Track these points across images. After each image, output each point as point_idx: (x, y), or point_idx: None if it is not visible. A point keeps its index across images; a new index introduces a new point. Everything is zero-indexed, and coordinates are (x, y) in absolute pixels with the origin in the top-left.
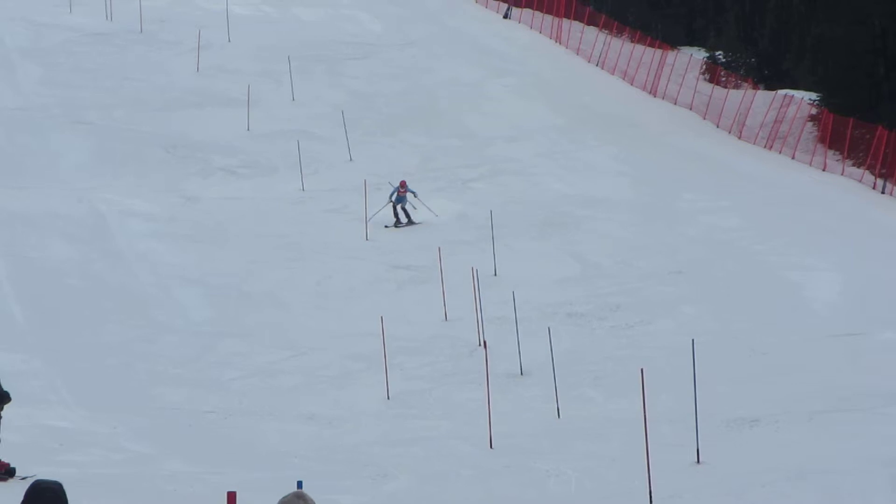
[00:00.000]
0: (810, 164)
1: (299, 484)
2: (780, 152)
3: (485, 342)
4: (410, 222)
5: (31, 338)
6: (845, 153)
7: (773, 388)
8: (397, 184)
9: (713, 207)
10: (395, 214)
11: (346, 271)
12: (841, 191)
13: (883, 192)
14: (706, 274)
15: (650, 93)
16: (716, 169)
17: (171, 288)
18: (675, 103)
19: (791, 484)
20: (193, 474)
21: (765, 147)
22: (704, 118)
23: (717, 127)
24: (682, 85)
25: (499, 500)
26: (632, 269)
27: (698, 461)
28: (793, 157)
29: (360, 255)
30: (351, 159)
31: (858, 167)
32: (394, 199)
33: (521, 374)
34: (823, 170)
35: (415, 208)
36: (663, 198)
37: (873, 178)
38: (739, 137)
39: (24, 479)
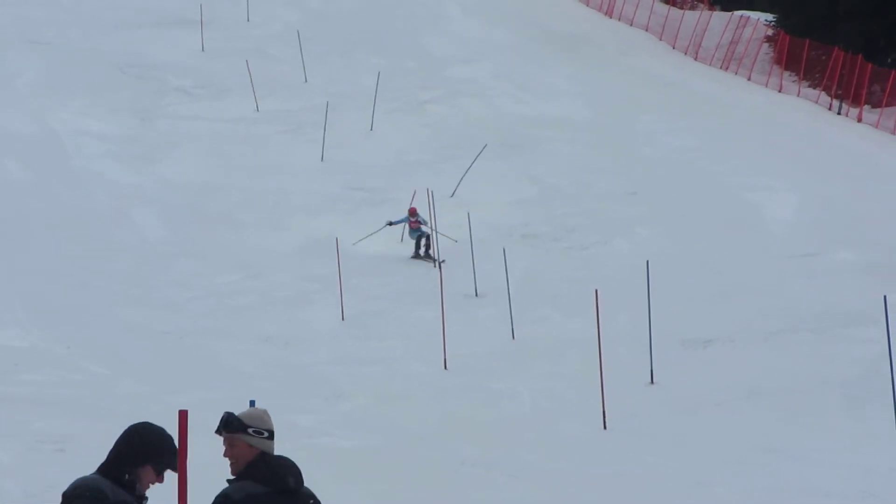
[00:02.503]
0: (766, 86)
1: (251, 403)
2: (736, 73)
3: (440, 263)
4: (427, 257)
5: None
6: (801, 74)
7: (729, 308)
8: (405, 214)
9: (670, 129)
10: (417, 246)
11: (302, 192)
12: (797, 112)
13: (839, 113)
14: (662, 195)
15: (606, 13)
16: (672, 90)
17: (127, 208)
18: (632, 24)
19: (745, 403)
20: (149, 394)
21: (721, 68)
22: (661, 39)
23: (674, 48)
24: (637, 6)
25: (454, 420)
26: (588, 190)
27: (652, 381)
28: (749, 79)
29: (316, 177)
30: (306, 80)
31: (814, 88)
32: (406, 231)
33: (477, 294)
34: (779, 91)
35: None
36: (620, 119)
37: (829, 99)
38: (696, 59)
39: None
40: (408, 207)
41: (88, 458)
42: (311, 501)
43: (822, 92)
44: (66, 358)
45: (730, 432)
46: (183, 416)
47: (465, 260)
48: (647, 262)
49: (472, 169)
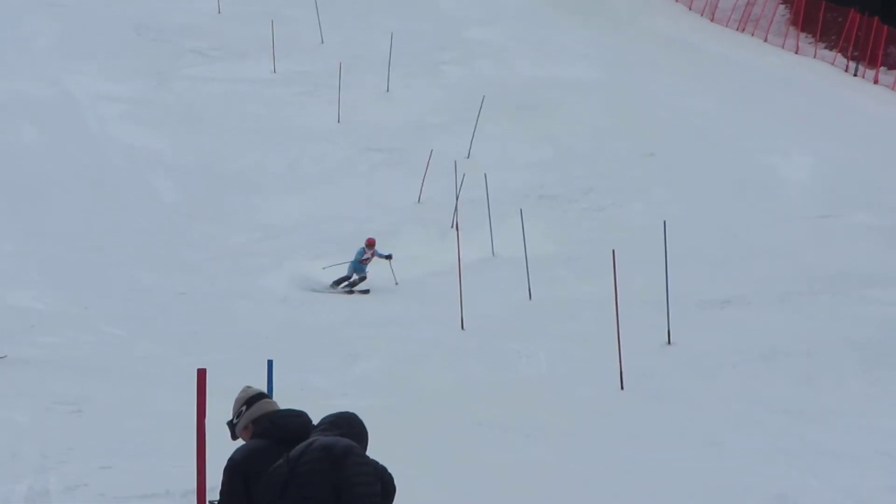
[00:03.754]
0: (783, 48)
1: (269, 363)
2: (752, 35)
3: (457, 224)
4: (350, 285)
5: (2, 221)
6: (818, 36)
7: (745, 270)
8: (363, 244)
9: (685, 91)
10: (339, 281)
11: (319, 154)
12: (813, 74)
13: (855, 75)
14: (678, 157)
15: None
16: (688, 52)
17: (143, 171)
18: None
19: (761, 364)
20: (164, 355)
21: (737, 30)
22: (676, 1)
23: (689, 10)
24: None
25: (470, 382)
26: (604, 152)
27: (669, 342)
28: (765, 40)
29: (333, 138)
30: (323, 42)
31: (830, 50)
32: (355, 259)
33: (493, 255)
34: (796, 53)
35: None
36: (635, 81)
37: (845, 60)
38: (712, 20)
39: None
40: (366, 238)
41: (105, 419)
42: (324, 453)
43: (839, 54)
44: (82, 319)
45: (745, 393)
46: (201, 374)
47: (482, 221)
48: (665, 222)
49: (488, 131)
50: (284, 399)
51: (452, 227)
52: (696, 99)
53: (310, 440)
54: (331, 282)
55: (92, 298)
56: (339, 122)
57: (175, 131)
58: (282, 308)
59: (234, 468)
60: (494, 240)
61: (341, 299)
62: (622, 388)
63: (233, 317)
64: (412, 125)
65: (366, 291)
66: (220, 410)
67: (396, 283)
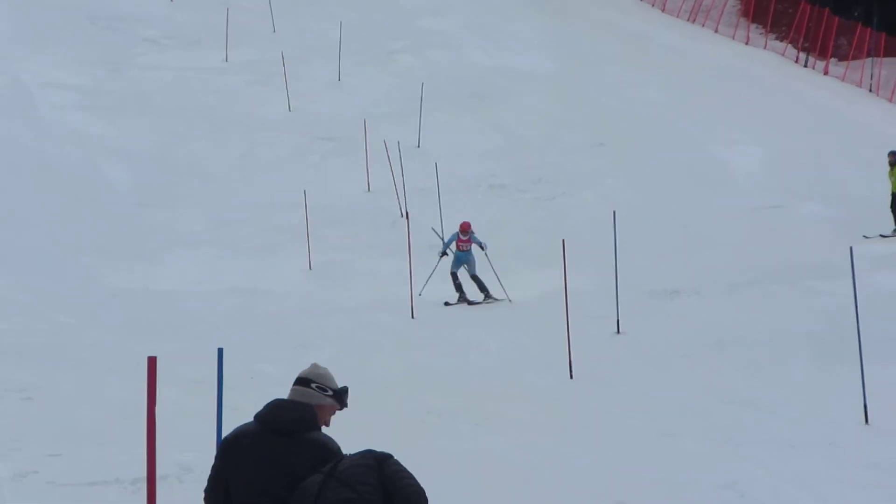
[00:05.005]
0: (733, 38)
1: (219, 352)
2: (702, 26)
3: (407, 213)
4: (488, 297)
5: None
6: (768, 27)
7: (695, 260)
8: (456, 229)
9: (636, 81)
10: (458, 285)
11: (270, 143)
12: (763, 65)
13: (805, 66)
14: (628, 147)
15: None
16: (639, 42)
17: (95, 159)
18: None
19: (711, 354)
20: (115, 343)
21: (688, 20)
22: None
23: (640, 0)
24: None
25: (420, 370)
26: (555, 141)
27: (618, 332)
28: (716, 31)
29: (284, 127)
30: (275, 30)
31: (781, 41)
32: (451, 254)
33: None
34: (746, 43)
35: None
36: (587, 71)
37: (796, 51)
38: (663, 11)
39: None
40: (460, 221)
41: (55, 406)
42: (323, 449)
43: (789, 45)
44: (32, 307)
45: (695, 383)
46: (152, 362)
47: (431, 210)
48: (614, 212)
49: (440, 120)
50: (234, 388)
51: (402, 216)
52: (647, 89)
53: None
54: (456, 300)
55: (42, 286)
56: (290, 110)
57: (127, 119)
58: (232, 296)
59: (222, 445)
60: (444, 228)
61: (292, 289)
62: (571, 377)
63: (184, 305)
64: (363, 114)
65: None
66: (170, 399)
67: (510, 301)
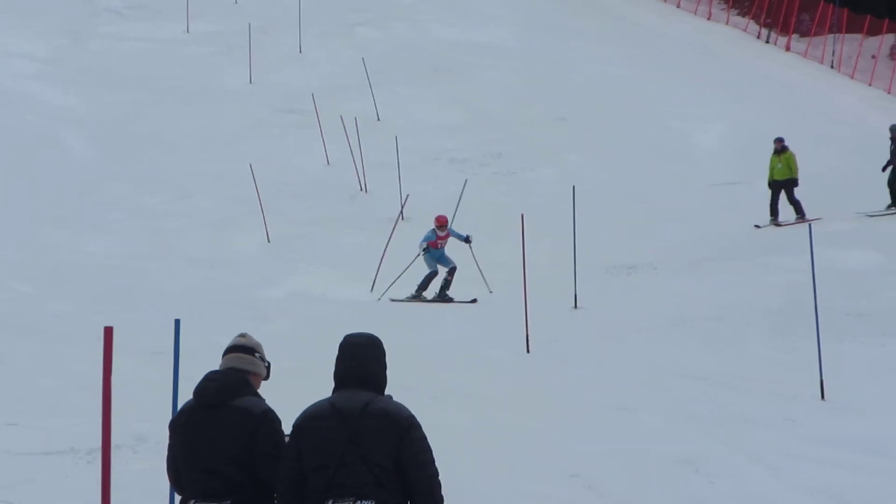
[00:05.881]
0: (695, 13)
1: (177, 323)
2: (665, 1)
3: (367, 187)
4: (444, 297)
5: None
6: (730, 2)
7: (654, 235)
8: (432, 225)
9: (598, 56)
10: (425, 283)
11: (231, 115)
12: (725, 40)
13: (767, 42)
14: (590, 122)
15: None
16: (601, 17)
17: (57, 129)
18: None
19: (668, 329)
20: (74, 314)
21: None
22: None
23: None
24: None
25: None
26: (516, 116)
27: (576, 307)
28: (678, 6)
29: (245, 99)
30: (236, 2)
31: (743, 16)
32: (423, 250)
33: (403, 218)
34: (708, 19)
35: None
36: (549, 46)
37: (758, 27)
38: None
39: None
40: (436, 215)
41: (13, 376)
42: (245, 416)
43: (751, 20)
44: None
45: (653, 358)
46: (108, 332)
47: (391, 184)
48: (574, 187)
49: (400, 94)
50: (191, 359)
51: (362, 189)
52: (609, 64)
53: (365, 401)
54: (414, 292)
55: (2, 255)
56: (251, 82)
57: (89, 90)
58: (193, 268)
59: (169, 424)
60: (403, 202)
61: (251, 262)
62: (528, 351)
63: (144, 276)
64: (324, 87)
65: (448, 299)
66: (127, 369)
67: (490, 292)
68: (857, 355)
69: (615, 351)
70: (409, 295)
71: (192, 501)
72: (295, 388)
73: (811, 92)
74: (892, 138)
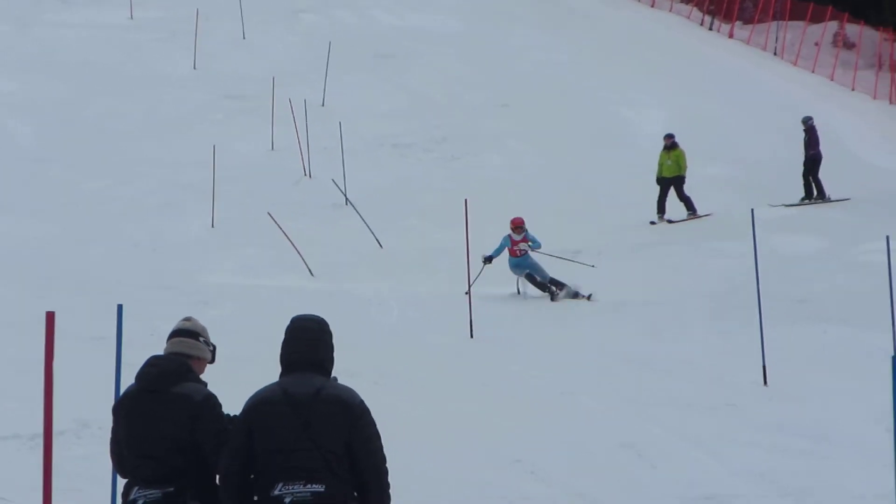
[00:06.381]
0: (639, 1)
1: (119, 308)
2: None
3: (310, 172)
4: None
5: None
6: None
7: (597, 221)
8: (504, 235)
9: (542, 43)
10: (541, 285)
11: (174, 100)
12: (668, 27)
13: (710, 29)
14: (533, 109)
15: None
16: (544, 4)
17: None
18: None
19: (611, 314)
20: (15, 299)
21: None
22: None
23: None
24: None
25: None
26: (459, 102)
27: (518, 292)
28: None
29: (189, 85)
30: None
31: (686, 3)
32: (485, 260)
33: (346, 203)
34: (652, 6)
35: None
36: (492, 32)
37: (701, 14)
38: None
39: None
40: (512, 217)
41: None
42: (186, 402)
43: (694, 8)
44: None
45: (596, 344)
46: (50, 317)
47: (335, 169)
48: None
49: (344, 80)
50: (134, 344)
51: (306, 174)
52: (553, 51)
53: (317, 387)
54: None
55: None
56: (195, 68)
57: (32, 76)
58: (136, 253)
59: (112, 409)
60: (348, 187)
61: (195, 247)
62: (472, 336)
63: (86, 261)
64: (268, 73)
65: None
66: (69, 354)
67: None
68: (799, 341)
69: (558, 336)
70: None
71: (136, 488)
72: (237, 373)
73: (754, 79)
74: (805, 130)
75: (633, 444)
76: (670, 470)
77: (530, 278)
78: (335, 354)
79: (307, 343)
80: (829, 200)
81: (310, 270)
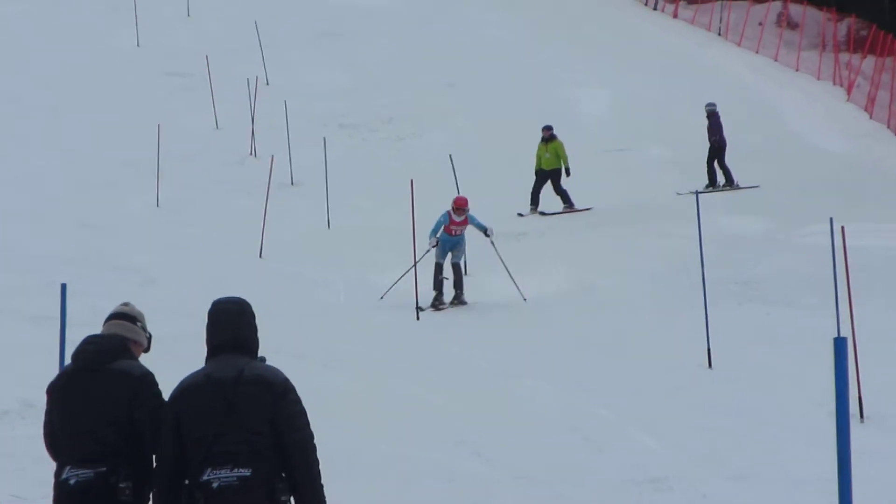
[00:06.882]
0: None
1: (63, 287)
2: None
3: (255, 151)
4: (458, 300)
5: None
6: None
7: (542, 200)
8: (450, 205)
9: (487, 21)
10: (439, 281)
11: (119, 77)
12: (613, 7)
13: (655, 9)
14: (479, 87)
15: None
16: None
17: None
18: None
19: (556, 297)
20: None
21: None
22: None
23: None
24: None
25: (268, 310)
26: (406, 81)
27: (466, 272)
28: None
29: (132, 61)
30: None
31: None
32: (439, 238)
33: (292, 183)
34: None
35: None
36: (437, 10)
37: None
38: None
39: None
40: (454, 196)
41: None
42: (125, 379)
43: None
44: None
45: (541, 325)
46: None
47: (281, 148)
48: (451, 156)
49: (289, 58)
50: (78, 323)
51: (251, 153)
52: (498, 30)
53: (240, 368)
54: (432, 301)
55: None
56: (138, 45)
57: None
58: (79, 232)
59: (46, 390)
60: (293, 167)
61: (139, 226)
62: (418, 318)
63: (28, 240)
64: (212, 50)
65: (463, 301)
66: (13, 334)
67: (525, 300)
68: (743, 323)
69: (504, 318)
70: (428, 306)
71: (68, 467)
72: (179, 354)
73: (698, 59)
74: (707, 116)
75: (579, 428)
76: (615, 452)
77: (444, 266)
78: (280, 339)
79: (228, 325)
80: (738, 187)
81: (260, 253)
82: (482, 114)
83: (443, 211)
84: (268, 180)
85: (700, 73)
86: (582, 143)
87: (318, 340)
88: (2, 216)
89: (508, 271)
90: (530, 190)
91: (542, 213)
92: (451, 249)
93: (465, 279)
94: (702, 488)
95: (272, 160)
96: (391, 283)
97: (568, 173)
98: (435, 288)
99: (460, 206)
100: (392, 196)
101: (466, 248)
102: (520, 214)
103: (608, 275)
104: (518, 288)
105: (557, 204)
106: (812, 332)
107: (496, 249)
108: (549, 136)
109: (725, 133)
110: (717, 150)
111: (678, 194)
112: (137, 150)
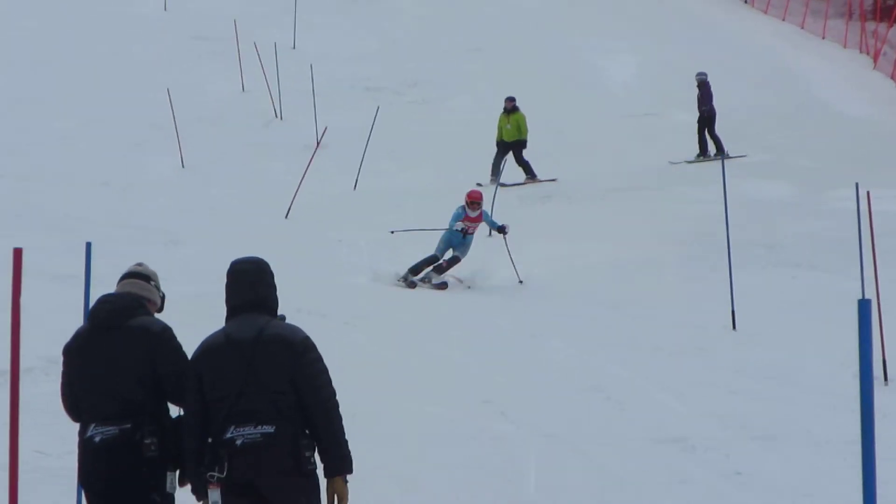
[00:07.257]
0: None
1: (88, 246)
2: None
3: (282, 114)
4: (430, 281)
5: None
6: None
7: (568, 166)
8: (464, 199)
9: None
10: (422, 264)
11: (146, 41)
12: None
13: None
14: (505, 53)
15: None
16: None
17: None
18: None
19: (580, 258)
20: None
21: None
22: None
23: None
24: None
25: (292, 269)
26: (431, 45)
27: (490, 234)
28: None
29: (159, 25)
30: None
31: None
32: (459, 230)
33: (319, 146)
34: None
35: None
36: None
37: None
38: None
39: None
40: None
41: None
42: (144, 334)
43: None
44: None
45: (565, 287)
46: (17, 254)
47: (307, 112)
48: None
49: (316, 22)
50: (103, 282)
51: (277, 116)
52: None
53: (259, 327)
54: (405, 272)
55: None
56: (165, 10)
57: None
58: (104, 192)
59: (63, 350)
60: (320, 130)
61: (165, 187)
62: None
63: (54, 201)
64: (238, 14)
65: (442, 286)
66: (37, 292)
67: (521, 282)
68: (768, 286)
69: (527, 279)
70: (399, 277)
71: (93, 425)
72: (206, 311)
73: (725, 26)
74: (697, 85)
75: (602, 387)
76: (638, 412)
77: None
78: (305, 298)
79: (247, 285)
80: (728, 157)
81: (287, 213)
82: (508, 79)
83: (458, 205)
84: (301, 143)
85: (727, 40)
86: (608, 108)
87: (340, 300)
88: (30, 177)
89: (514, 265)
90: (491, 161)
91: (502, 185)
92: (455, 247)
93: (464, 281)
94: (724, 449)
95: (318, 128)
96: (410, 229)
97: (524, 146)
98: (413, 270)
99: (474, 199)
100: (417, 159)
101: (470, 252)
102: (479, 185)
103: (632, 237)
104: (516, 271)
105: (520, 174)
106: (836, 295)
107: (507, 247)
108: (511, 108)
109: (753, 97)
110: (707, 119)
111: (671, 163)
112: (164, 113)
